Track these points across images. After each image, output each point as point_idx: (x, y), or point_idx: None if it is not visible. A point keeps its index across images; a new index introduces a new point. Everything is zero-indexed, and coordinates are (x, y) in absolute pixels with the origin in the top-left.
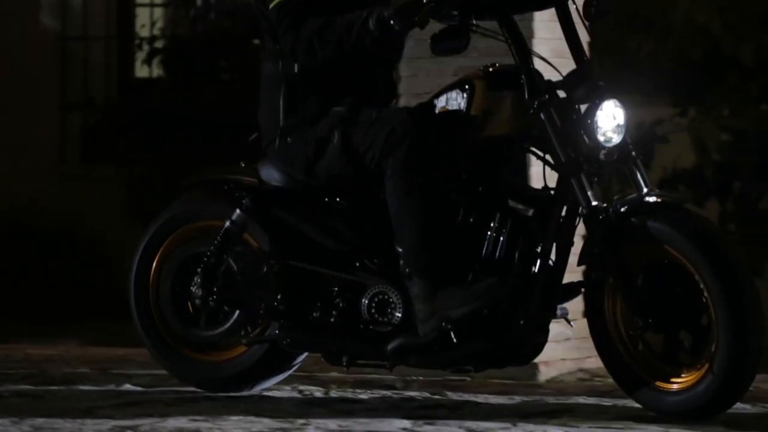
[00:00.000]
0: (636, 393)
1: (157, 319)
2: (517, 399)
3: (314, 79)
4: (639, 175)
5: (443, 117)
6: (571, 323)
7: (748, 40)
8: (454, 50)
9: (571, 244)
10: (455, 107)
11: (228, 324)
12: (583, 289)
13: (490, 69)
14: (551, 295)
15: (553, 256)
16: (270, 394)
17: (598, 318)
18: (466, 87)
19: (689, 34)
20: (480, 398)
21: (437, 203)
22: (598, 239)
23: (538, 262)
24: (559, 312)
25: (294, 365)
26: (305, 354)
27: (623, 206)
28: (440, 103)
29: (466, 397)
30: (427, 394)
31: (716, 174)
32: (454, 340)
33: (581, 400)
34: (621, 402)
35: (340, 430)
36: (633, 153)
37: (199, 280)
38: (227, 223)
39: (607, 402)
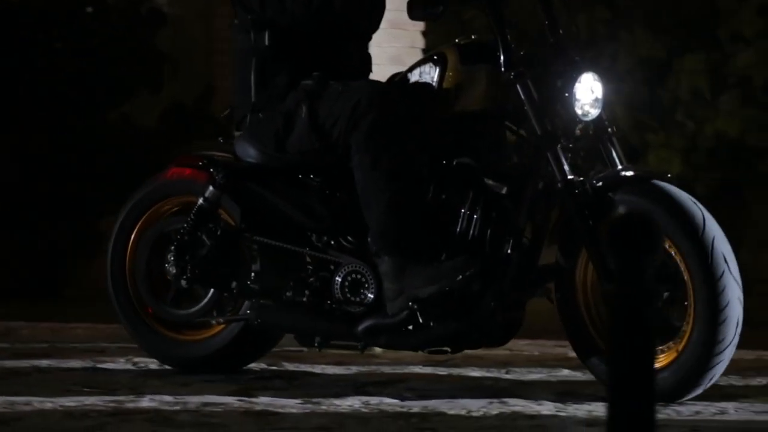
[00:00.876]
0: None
1: (133, 297)
2: (354, 369)
3: (286, 53)
4: (614, 152)
5: (411, 89)
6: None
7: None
8: (430, 16)
9: (548, 221)
10: (428, 81)
11: (202, 303)
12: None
13: (465, 42)
14: (524, 274)
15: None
16: (104, 366)
17: (569, 295)
18: (438, 60)
19: None
20: (317, 369)
21: (406, 177)
22: (573, 213)
23: (512, 240)
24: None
25: (274, 343)
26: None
27: (599, 180)
28: (413, 77)
29: (303, 367)
30: (263, 365)
31: None
32: (421, 320)
33: (417, 369)
34: (456, 371)
35: (175, 402)
36: (609, 129)
37: (172, 258)
38: (200, 200)
39: (442, 371)
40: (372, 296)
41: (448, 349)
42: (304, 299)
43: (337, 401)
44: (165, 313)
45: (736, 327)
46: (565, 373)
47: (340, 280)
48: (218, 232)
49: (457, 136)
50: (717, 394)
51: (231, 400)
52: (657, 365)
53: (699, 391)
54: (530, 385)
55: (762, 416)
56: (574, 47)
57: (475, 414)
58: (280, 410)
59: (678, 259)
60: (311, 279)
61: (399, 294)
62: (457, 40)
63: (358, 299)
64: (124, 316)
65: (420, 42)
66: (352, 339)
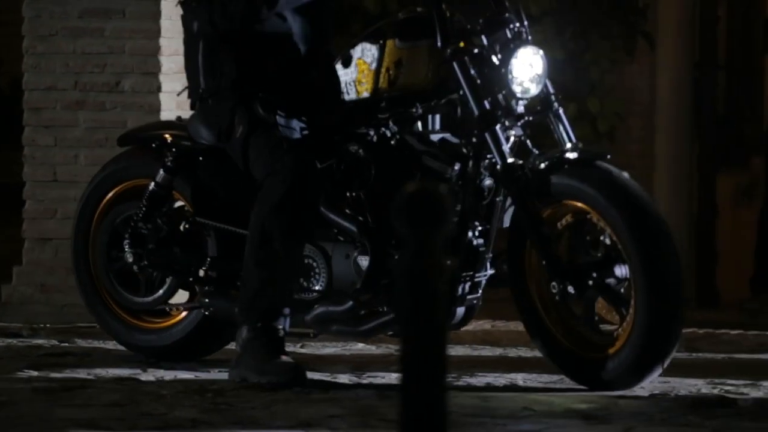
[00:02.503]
0: (559, 362)
1: (97, 284)
2: None
3: (232, 39)
4: (562, 128)
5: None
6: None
7: None
8: None
9: (496, 203)
10: (369, 59)
11: (161, 290)
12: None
13: (405, 17)
14: (476, 257)
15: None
16: None
17: (519, 282)
18: (377, 37)
19: None
20: (110, 344)
21: (281, 262)
22: (514, 199)
23: (460, 223)
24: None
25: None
26: None
27: (542, 163)
28: (356, 54)
29: (96, 344)
30: (55, 342)
31: None
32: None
33: None
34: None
35: None
36: (555, 104)
37: (127, 246)
38: (152, 185)
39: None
40: (324, 282)
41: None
42: None
43: (130, 377)
44: (124, 301)
45: (680, 303)
46: (359, 346)
47: None
48: (173, 217)
49: (396, 116)
50: (505, 363)
51: (22, 375)
52: (609, 351)
53: (657, 372)
54: (326, 359)
55: (548, 386)
56: (516, 19)
57: (269, 388)
58: (72, 386)
59: (617, 242)
60: None
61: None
62: (400, 14)
63: (309, 286)
64: (87, 301)
65: None
66: (306, 326)
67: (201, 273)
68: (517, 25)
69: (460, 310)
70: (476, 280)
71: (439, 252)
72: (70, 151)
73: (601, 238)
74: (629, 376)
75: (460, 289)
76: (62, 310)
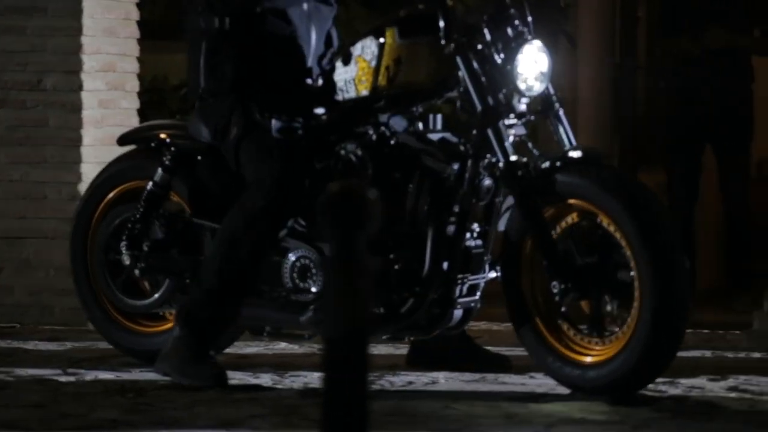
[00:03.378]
0: (550, 367)
1: (95, 287)
2: (69, 345)
3: (235, 38)
4: (562, 129)
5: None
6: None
7: None
8: None
9: (495, 203)
10: (369, 56)
11: (158, 293)
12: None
13: (405, 14)
14: (474, 258)
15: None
16: None
17: (513, 284)
18: (378, 35)
19: None
20: (30, 345)
21: (242, 273)
22: (516, 197)
23: (458, 223)
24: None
25: (237, 335)
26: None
27: (544, 162)
28: (356, 51)
29: (16, 344)
30: None
31: None
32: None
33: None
34: None
35: None
36: (557, 105)
37: (124, 248)
38: (150, 185)
39: None
40: (320, 284)
41: (408, 337)
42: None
43: (51, 378)
44: (121, 304)
45: (686, 303)
46: (282, 345)
47: (289, 266)
48: (170, 218)
49: (398, 114)
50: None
51: None
52: (605, 357)
53: (658, 376)
54: (248, 358)
55: (470, 385)
56: (521, 16)
57: (191, 388)
58: None
59: (622, 241)
60: (260, 265)
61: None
62: (401, 12)
63: (306, 286)
64: (86, 308)
65: (135, 14)
66: (301, 328)
67: (197, 274)
68: (521, 23)
69: (458, 313)
70: (474, 282)
71: (362, 252)
72: None
73: (606, 239)
74: (628, 381)
75: (457, 291)
76: None
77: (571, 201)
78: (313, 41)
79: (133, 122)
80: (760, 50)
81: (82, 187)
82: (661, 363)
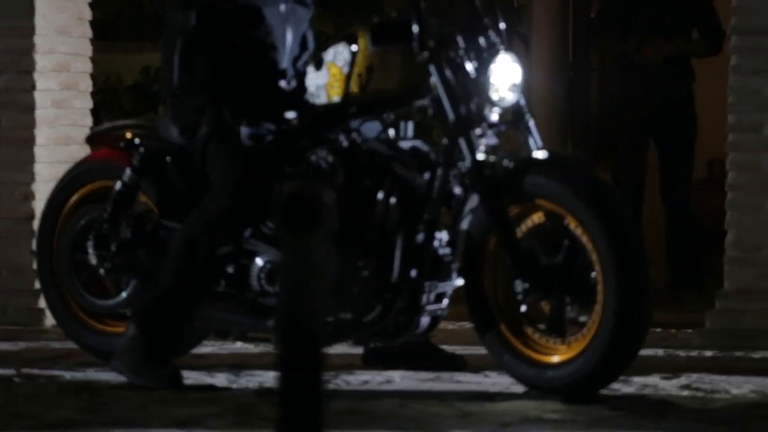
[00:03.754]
0: (509, 365)
1: (61, 287)
2: (22, 345)
3: (211, 37)
4: (532, 141)
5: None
6: None
7: None
8: None
9: (463, 214)
10: (341, 63)
11: (124, 293)
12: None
13: (379, 20)
14: (443, 264)
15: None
16: None
17: (475, 283)
18: (350, 41)
19: None
20: None
21: (195, 279)
22: (482, 196)
23: (426, 230)
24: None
25: (204, 336)
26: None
27: (512, 162)
28: (328, 57)
29: None
30: None
31: None
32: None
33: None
34: None
35: None
36: (527, 116)
37: (91, 247)
38: (118, 185)
39: None
40: None
41: (374, 343)
42: (221, 290)
43: (5, 377)
44: (88, 304)
45: (649, 306)
46: (238, 345)
47: (257, 270)
48: (138, 218)
49: (369, 120)
50: (383, 361)
51: None
52: (565, 357)
53: (619, 375)
54: (204, 358)
55: (426, 384)
56: (494, 26)
57: (146, 388)
58: None
59: (588, 243)
60: (228, 268)
61: None
62: (374, 18)
63: (274, 290)
64: (53, 309)
65: (87, 13)
66: (268, 332)
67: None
68: (494, 33)
69: (425, 320)
70: (442, 290)
71: (318, 254)
72: None
73: (571, 240)
74: (590, 381)
75: (424, 299)
76: None
77: (539, 201)
78: (288, 42)
79: (87, 122)
80: (698, 53)
81: (36, 187)
82: (622, 364)
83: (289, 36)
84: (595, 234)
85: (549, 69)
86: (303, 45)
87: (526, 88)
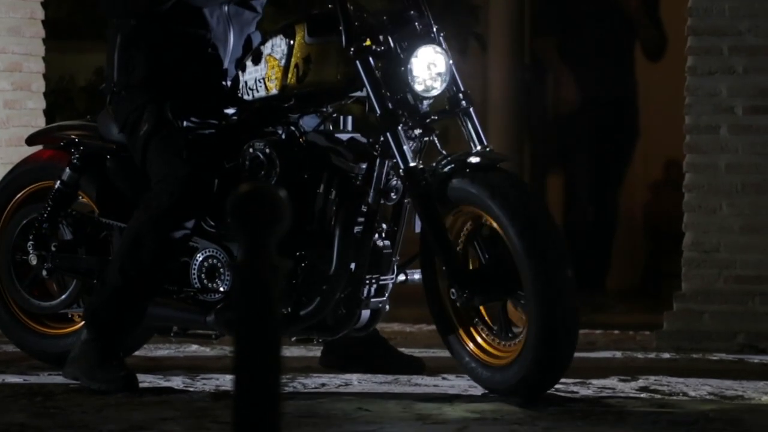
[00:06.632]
0: (467, 368)
1: (1, 288)
2: None
3: (149, 34)
4: (471, 128)
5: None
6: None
7: None
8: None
9: (403, 204)
10: (279, 55)
11: (65, 294)
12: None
13: (317, 12)
14: (383, 259)
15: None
16: None
17: (431, 287)
18: (287, 33)
19: None
20: None
21: (142, 276)
22: (415, 203)
23: (366, 223)
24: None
25: (149, 335)
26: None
27: (444, 167)
28: (266, 50)
29: None
30: None
31: None
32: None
33: None
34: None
35: None
36: (464, 103)
37: (31, 248)
38: (57, 184)
39: None
40: (228, 284)
41: (315, 337)
42: (162, 287)
43: None
44: (28, 305)
45: (573, 311)
46: (193, 348)
47: (197, 266)
48: (77, 218)
49: (307, 113)
50: (339, 365)
51: None
52: (508, 359)
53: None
54: (159, 361)
55: (383, 387)
56: (420, 16)
57: (101, 392)
58: None
59: (511, 250)
60: (168, 265)
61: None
62: (312, 10)
63: (213, 286)
64: None
65: (40, 13)
66: (209, 328)
67: (101, 274)
68: (421, 23)
69: (365, 314)
70: (382, 283)
71: (272, 252)
72: None
73: (504, 244)
74: (528, 384)
75: (365, 292)
76: None
77: (464, 207)
78: (230, 43)
79: (40, 123)
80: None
81: None
82: (556, 369)
83: (232, 36)
84: (513, 241)
85: (505, 71)
86: (246, 46)
87: (482, 87)
